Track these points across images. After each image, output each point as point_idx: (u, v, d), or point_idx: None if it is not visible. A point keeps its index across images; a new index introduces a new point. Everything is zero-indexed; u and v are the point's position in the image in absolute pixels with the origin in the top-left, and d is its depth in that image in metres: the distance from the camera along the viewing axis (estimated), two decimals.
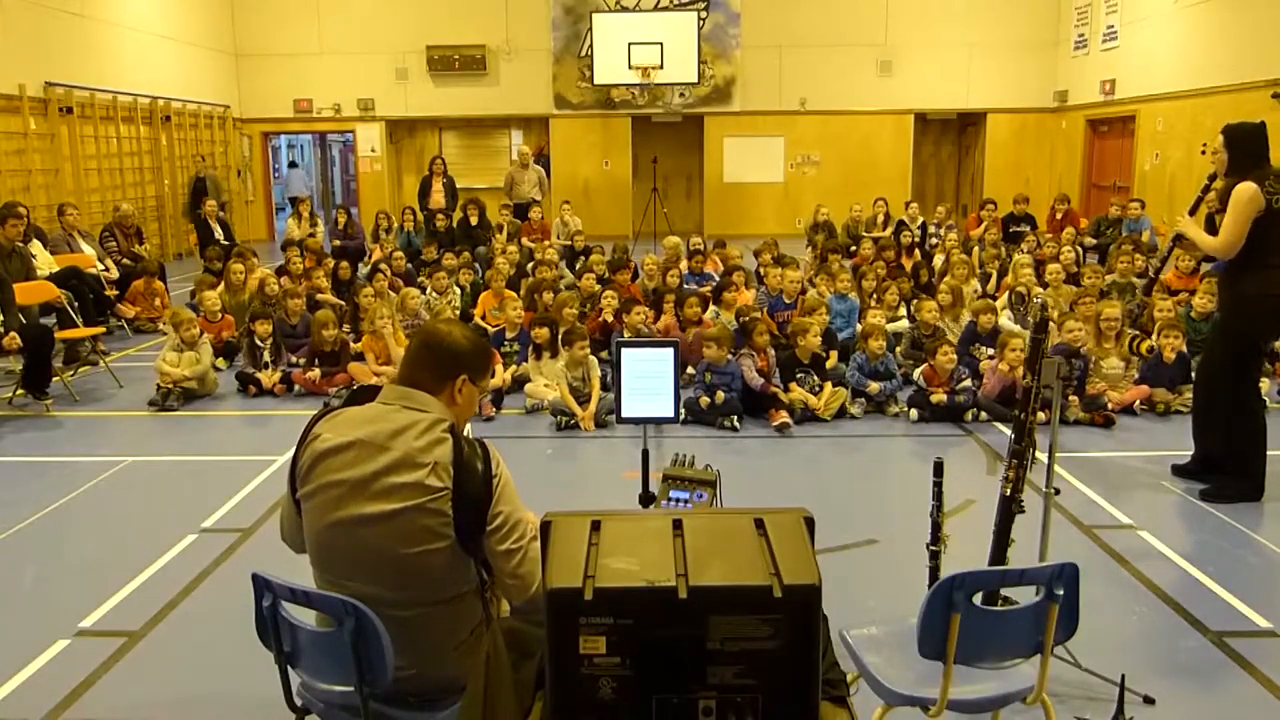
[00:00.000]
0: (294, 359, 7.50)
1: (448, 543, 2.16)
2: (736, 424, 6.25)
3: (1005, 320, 7.86)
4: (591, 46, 16.75)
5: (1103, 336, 6.74)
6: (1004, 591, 2.98)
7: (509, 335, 7.33)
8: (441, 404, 2.27)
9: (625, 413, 3.42)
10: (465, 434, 2.28)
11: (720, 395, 6.27)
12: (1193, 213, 4.97)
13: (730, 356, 6.48)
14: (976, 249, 10.90)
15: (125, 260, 10.39)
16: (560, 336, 6.80)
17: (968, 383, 6.50)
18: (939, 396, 6.37)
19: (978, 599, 2.33)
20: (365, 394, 2.37)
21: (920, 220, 12.86)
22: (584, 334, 6.67)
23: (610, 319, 7.79)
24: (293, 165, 21.01)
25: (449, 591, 2.21)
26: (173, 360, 7.03)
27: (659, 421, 3.44)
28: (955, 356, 6.56)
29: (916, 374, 6.64)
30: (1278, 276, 4.56)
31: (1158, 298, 7.70)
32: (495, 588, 2.33)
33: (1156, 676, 3.22)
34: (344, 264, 10.33)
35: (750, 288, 8.86)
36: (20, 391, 6.97)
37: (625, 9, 17.17)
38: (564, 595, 1.66)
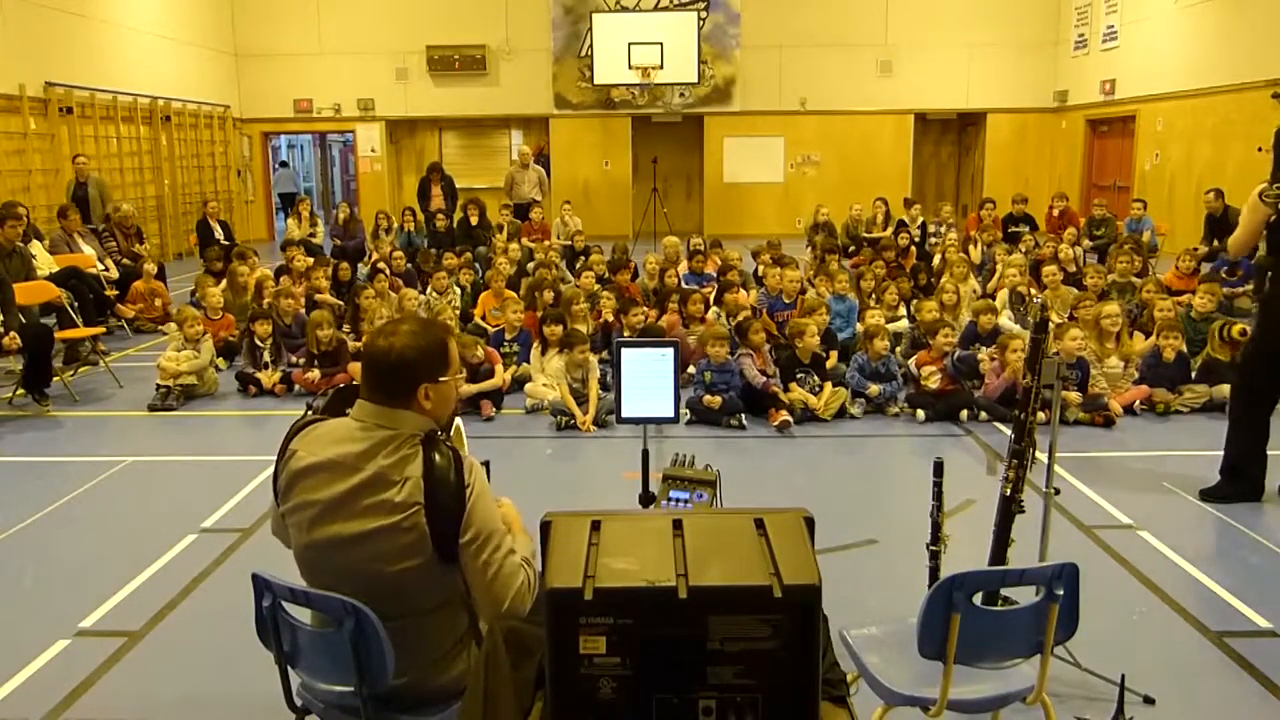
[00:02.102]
0: (294, 359, 7.50)
1: (425, 558, 2.14)
2: (743, 422, 6.27)
3: (1005, 320, 7.86)
4: (591, 46, 16.76)
5: (1104, 335, 6.74)
6: (1004, 591, 2.98)
7: (509, 336, 7.33)
8: (414, 415, 2.20)
9: (625, 413, 3.41)
10: (455, 433, 2.26)
11: (718, 399, 6.28)
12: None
13: (729, 356, 6.51)
14: (974, 248, 10.90)
15: (125, 260, 10.39)
16: (562, 338, 6.79)
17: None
18: (931, 378, 6.39)
19: (978, 599, 2.33)
20: (350, 394, 2.35)
21: (920, 220, 12.86)
22: (585, 337, 6.68)
23: (610, 319, 7.80)
24: (283, 165, 21.15)
25: (431, 602, 2.21)
26: (173, 358, 7.04)
27: (659, 421, 3.44)
28: (954, 339, 6.61)
29: (910, 362, 6.67)
30: None
31: (1157, 297, 7.70)
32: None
33: (1156, 676, 3.22)
34: (344, 264, 10.34)
35: (749, 289, 8.87)
36: (20, 391, 6.97)
37: (625, 9, 17.17)
38: (564, 595, 1.66)
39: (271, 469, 2.32)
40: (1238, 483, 4.86)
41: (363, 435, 2.18)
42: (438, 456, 2.15)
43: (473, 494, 2.16)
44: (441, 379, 2.23)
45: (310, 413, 2.38)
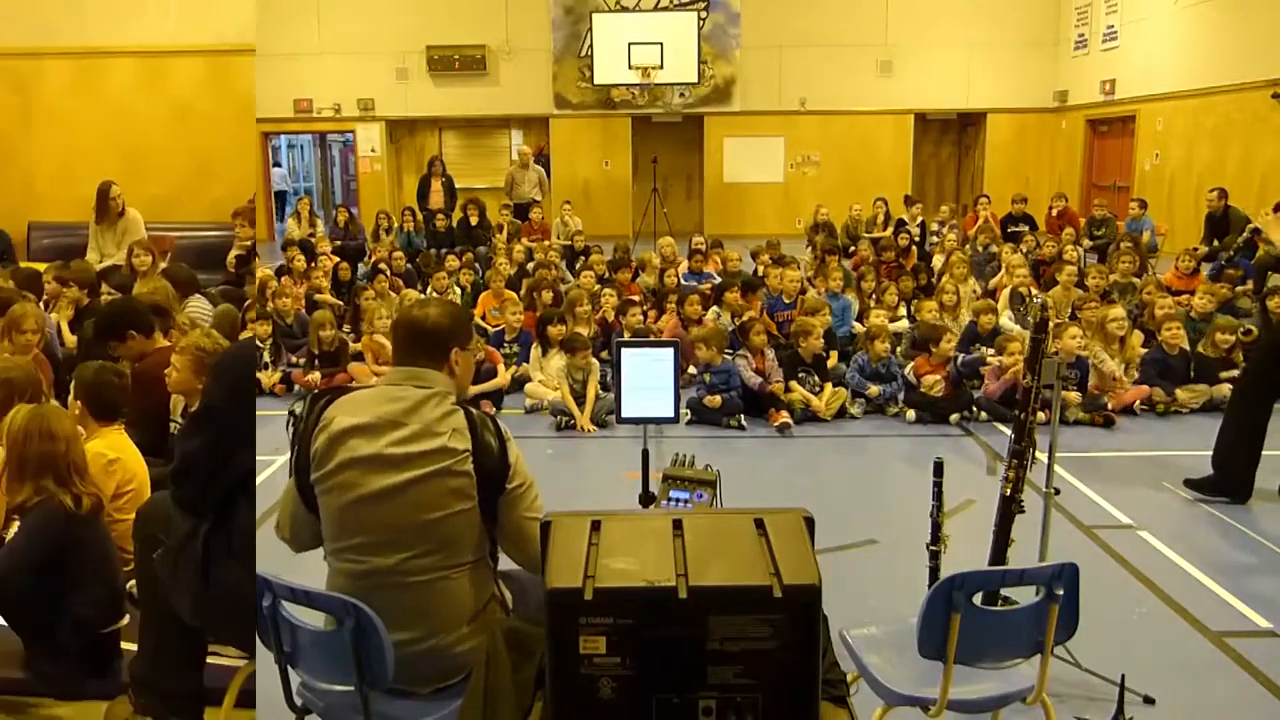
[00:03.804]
0: (293, 359, 7.49)
1: (472, 504, 2.26)
2: (743, 422, 6.26)
3: (1006, 320, 7.84)
4: (591, 46, 16.74)
5: (1109, 338, 6.71)
6: (1004, 591, 2.98)
7: (508, 337, 7.33)
8: (444, 378, 2.37)
9: (625, 413, 3.42)
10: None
11: (718, 399, 6.27)
12: (1278, 210, 5.08)
13: (725, 356, 6.50)
14: (966, 248, 10.89)
15: None
16: (564, 341, 6.79)
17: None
18: (933, 385, 6.36)
19: (978, 599, 2.33)
20: (337, 397, 2.38)
21: (920, 220, 12.85)
22: (587, 343, 6.67)
23: (611, 319, 7.80)
24: (275, 165, 21.23)
25: (469, 556, 2.29)
26: None
27: (659, 421, 3.45)
28: (952, 345, 6.59)
29: (908, 369, 6.65)
30: None
31: (1157, 295, 7.70)
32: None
33: (1156, 676, 3.22)
34: (344, 264, 10.34)
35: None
36: None
37: (625, 9, 17.17)
38: (564, 595, 1.66)
39: (286, 465, 2.33)
40: (1221, 475, 4.83)
41: (401, 395, 2.30)
42: (476, 414, 2.35)
43: (514, 453, 2.34)
44: (466, 347, 2.47)
45: (293, 414, 2.38)
